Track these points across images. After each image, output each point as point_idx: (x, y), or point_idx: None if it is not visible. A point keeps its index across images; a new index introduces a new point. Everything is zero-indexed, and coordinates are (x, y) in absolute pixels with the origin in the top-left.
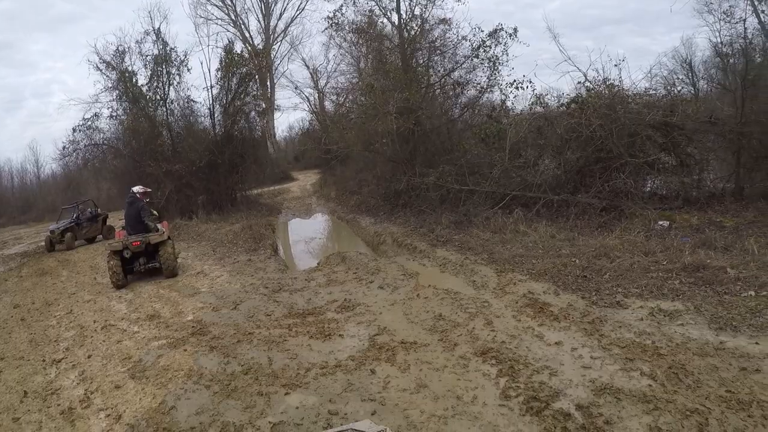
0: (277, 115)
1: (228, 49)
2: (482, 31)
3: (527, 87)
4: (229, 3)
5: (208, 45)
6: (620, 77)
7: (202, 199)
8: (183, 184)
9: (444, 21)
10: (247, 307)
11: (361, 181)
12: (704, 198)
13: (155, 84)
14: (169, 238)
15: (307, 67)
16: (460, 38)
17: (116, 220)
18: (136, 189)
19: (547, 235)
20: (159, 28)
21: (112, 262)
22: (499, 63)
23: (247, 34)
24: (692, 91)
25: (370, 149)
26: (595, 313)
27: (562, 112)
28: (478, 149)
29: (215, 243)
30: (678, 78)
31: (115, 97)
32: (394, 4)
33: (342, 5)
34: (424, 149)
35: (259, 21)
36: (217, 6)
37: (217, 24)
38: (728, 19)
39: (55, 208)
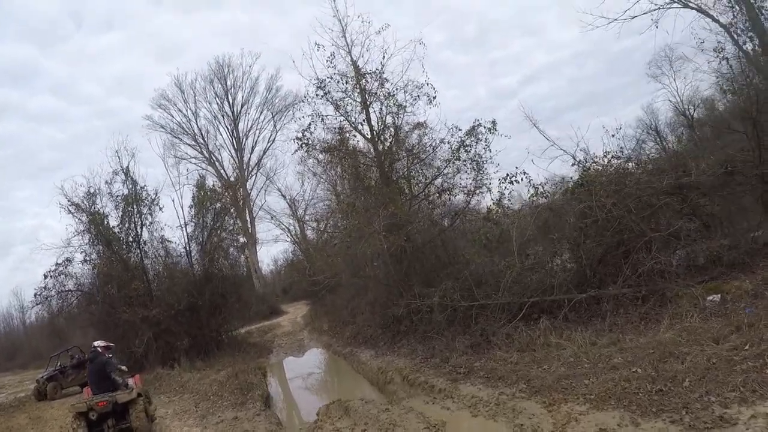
0: (259, 248)
1: (200, 185)
2: (460, 129)
3: (522, 179)
4: (202, 141)
5: (179, 181)
6: (622, 148)
7: (184, 345)
8: (162, 330)
9: (420, 125)
10: None
11: (354, 309)
12: (745, 257)
13: (126, 225)
14: (140, 395)
15: (284, 196)
16: (438, 142)
17: None
18: (97, 343)
19: (587, 344)
20: (128, 167)
21: (77, 427)
22: (483, 161)
23: (222, 171)
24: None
25: (359, 275)
26: None
27: (569, 199)
28: (481, 257)
29: (198, 396)
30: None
31: (88, 241)
32: (364, 116)
33: (310, 123)
34: (419, 266)
35: (232, 157)
36: (189, 145)
37: (191, 163)
38: (718, 55)
39: (40, 355)
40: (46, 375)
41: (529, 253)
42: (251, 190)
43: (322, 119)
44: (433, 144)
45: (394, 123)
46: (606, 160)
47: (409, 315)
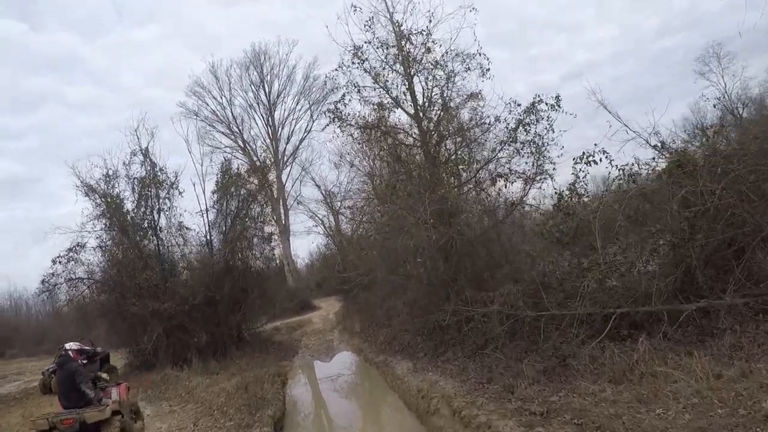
0: (293, 240)
1: (225, 169)
2: (519, 105)
3: (601, 160)
4: (236, 130)
5: (202, 166)
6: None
7: (198, 344)
8: (174, 326)
9: (473, 96)
10: None
11: (389, 310)
12: None
13: (142, 210)
14: (117, 412)
15: (318, 186)
16: (492, 120)
17: (116, 359)
18: (68, 346)
19: (710, 376)
20: (146, 148)
21: None
22: (545, 143)
23: (256, 160)
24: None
25: (397, 272)
26: None
27: (664, 183)
28: (551, 255)
29: (202, 408)
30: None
31: (104, 226)
32: (406, 87)
33: (344, 94)
34: (470, 264)
35: (267, 147)
36: (223, 133)
37: (224, 152)
38: None
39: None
40: (52, 368)
41: (608, 251)
42: (286, 180)
43: (359, 90)
44: (487, 121)
45: (442, 95)
46: (706, 138)
47: (458, 323)
